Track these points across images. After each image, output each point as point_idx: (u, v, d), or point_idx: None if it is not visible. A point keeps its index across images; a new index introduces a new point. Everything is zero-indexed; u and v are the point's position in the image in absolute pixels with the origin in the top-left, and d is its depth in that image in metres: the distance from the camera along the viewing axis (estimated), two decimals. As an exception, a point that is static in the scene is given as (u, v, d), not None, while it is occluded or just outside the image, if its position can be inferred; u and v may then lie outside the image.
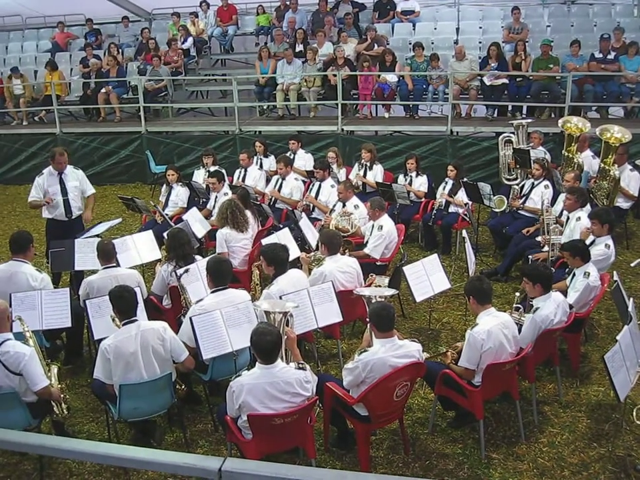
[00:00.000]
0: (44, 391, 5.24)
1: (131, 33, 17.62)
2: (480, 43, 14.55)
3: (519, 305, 6.24)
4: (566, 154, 9.97)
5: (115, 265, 6.87)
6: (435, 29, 15.38)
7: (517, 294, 6.43)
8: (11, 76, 15.58)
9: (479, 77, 12.79)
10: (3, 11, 18.43)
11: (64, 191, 8.66)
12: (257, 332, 4.74)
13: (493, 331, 5.35)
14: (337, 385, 5.35)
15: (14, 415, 5.20)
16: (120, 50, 16.38)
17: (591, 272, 6.44)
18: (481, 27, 15.19)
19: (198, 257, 7.04)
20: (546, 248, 7.77)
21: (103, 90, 14.69)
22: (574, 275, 6.60)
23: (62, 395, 5.49)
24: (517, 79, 12.55)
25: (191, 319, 5.57)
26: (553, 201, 8.77)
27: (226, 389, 4.96)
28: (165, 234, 7.52)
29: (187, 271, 6.44)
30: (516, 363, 5.54)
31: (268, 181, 10.62)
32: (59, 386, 5.54)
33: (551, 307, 5.85)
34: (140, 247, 7.92)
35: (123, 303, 5.43)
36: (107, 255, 6.81)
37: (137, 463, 2.54)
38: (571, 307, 6.15)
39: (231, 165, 11.77)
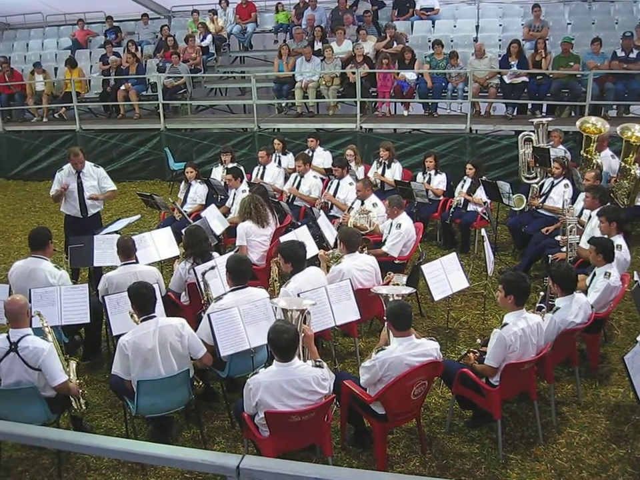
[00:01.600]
0: (62, 386, 5.28)
1: (151, 30, 17.67)
2: (500, 40, 14.47)
3: (542, 305, 6.20)
4: (584, 155, 9.89)
5: (134, 261, 6.90)
6: (455, 26, 15.30)
7: (542, 293, 6.37)
8: (33, 71, 15.70)
9: (499, 75, 12.70)
10: (24, 8, 18.54)
11: (80, 190, 8.70)
12: (274, 329, 4.74)
13: (521, 333, 5.30)
14: (354, 383, 5.34)
15: (33, 409, 5.25)
16: (139, 47, 16.46)
17: (612, 272, 6.38)
18: (500, 25, 15.08)
19: (215, 254, 7.05)
20: (564, 249, 7.70)
21: (123, 87, 14.76)
22: (594, 274, 6.55)
23: (80, 390, 5.53)
24: (537, 77, 12.47)
25: (209, 316, 5.59)
26: (573, 200, 8.68)
27: (243, 386, 4.97)
28: (183, 231, 7.54)
29: (212, 268, 6.44)
30: (534, 363, 5.50)
31: (286, 178, 10.62)
32: (78, 381, 5.59)
33: (573, 309, 5.80)
34: (158, 244, 7.94)
35: (142, 299, 5.45)
36: (127, 251, 6.85)
37: (156, 459, 2.54)
38: (590, 307, 6.10)
39: (249, 162, 11.79)
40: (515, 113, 12.81)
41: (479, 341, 5.86)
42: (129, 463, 5.48)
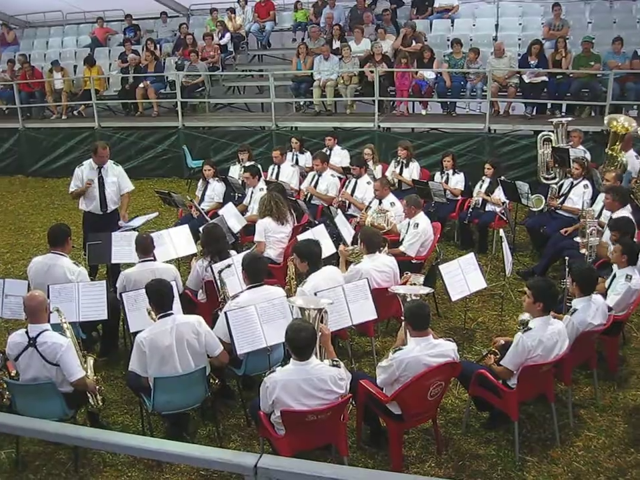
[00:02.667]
0: (80, 381, 5.30)
1: (169, 28, 17.73)
2: (519, 39, 14.38)
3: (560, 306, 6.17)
4: (609, 152, 9.78)
5: (152, 258, 6.91)
6: (474, 25, 15.23)
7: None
8: (52, 69, 15.81)
9: (518, 74, 12.62)
10: (45, 6, 18.69)
11: (101, 185, 8.69)
12: (291, 328, 4.74)
13: (544, 340, 5.26)
14: (371, 382, 5.33)
15: (50, 404, 5.28)
16: (158, 45, 16.51)
17: (633, 275, 6.32)
18: (520, 24, 14.99)
19: (233, 252, 7.04)
20: (583, 251, 7.64)
21: (141, 85, 14.82)
22: (614, 276, 6.49)
23: (97, 387, 5.55)
24: (557, 77, 12.39)
25: (226, 313, 5.60)
26: (592, 201, 8.62)
27: (259, 384, 4.97)
28: (200, 229, 7.55)
29: (229, 266, 6.44)
30: (552, 365, 5.45)
31: (304, 177, 10.62)
32: (95, 377, 5.61)
33: (591, 310, 5.75)
34: (176, 241, 7.95)
35: (159, 297, 5.46)
36: (145, 248, 6.86)
37: (174, 457, 2.55)
38: (610, 309, 6.05)
39: (267, 160, 11.77)
40: (534, 113, 12.73)
41: (502, 341, 5.80)
42: (144, 459, 5.49)
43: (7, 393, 5.51)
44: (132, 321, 6.13)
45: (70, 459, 5.56)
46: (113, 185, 8.77)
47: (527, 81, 12.37)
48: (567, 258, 7.20)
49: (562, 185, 9.39)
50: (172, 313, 5.47)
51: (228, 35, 16.12)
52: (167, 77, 15.21)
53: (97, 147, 8.72)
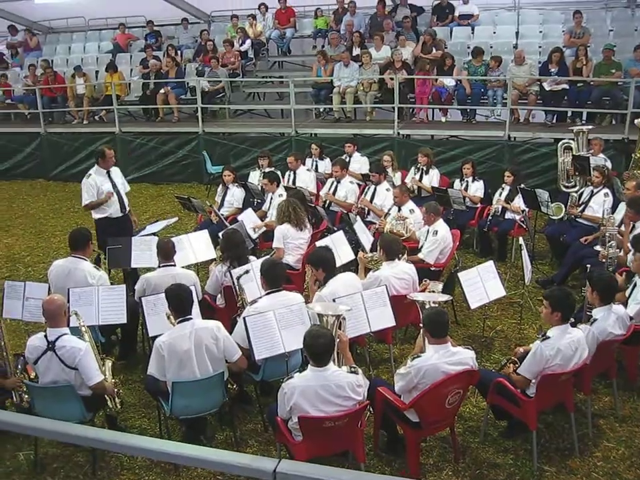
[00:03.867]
0: (98, 385, 5.34)
1: (190, 34, 17.85)
2: (540, 47, 14.36)
3: (580, 315, 6.12)
4: (637, 156, 9.72)
5: (172, 263, 6.94)
6: (494, 32, 15.23)
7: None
8: (74, 75, 15.96)
9: (539, 82, 12.58)
10: (67, 12, 18.88)
11: (115, 188, 8.73)
12: (310, 334, 4.74)
13: (563, 349, 5.22)
14: (389, 389, 5.32)
15: (69, 408, 5.31)
16: (179, 51, 16.62)
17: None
18: (541, 31, 14.97)
19: (252, 258, 7.07)
20: (604, 259, 7.58)
21: (162, 90, 14.93)
22: (635, 285, 6.43)
23: (116, 390, 5.57)
24: (578, 84, 12.34)
25: (244, 319, 5.60)
26: (613, 210, 8.55)
27: (277, 390, 4.98)
28: (220, 234, 7.58)
29: (247, 272, 6.46)
30: (572, 374, 5.42)
31: (323, 183, 10.63)
32: (113, 381, 5.63)
33: (611, 319, 5.70)
34: (195, 247, 7.98)
35: (179, 301, 5.48)
36: (167, 253, 6.90)
37: (193, 460, 2.55)
38: (630, 318, 5.99)
39: (287, 166, 11.79)
40: (554, 121, 12.70)
41: (520, 349, 5.77)
42: (162, 463, 5.52)
43: (26, 395, 5.56)
44: (151, 325, 6.15)
45: (88, 461, 5.60)
46: (122, 185, 8.90)
47: (547, 88, 12.33)
48: (587, 266, 7.18)
49: (582, 193, 9.34)
50: (191, 318, 5.49)
51: (248, 42, 16.20)
52: (187, 83, 15.29)
53: (104, 151, 8.73)
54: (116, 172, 8.90)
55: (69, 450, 5.75)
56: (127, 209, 8.93)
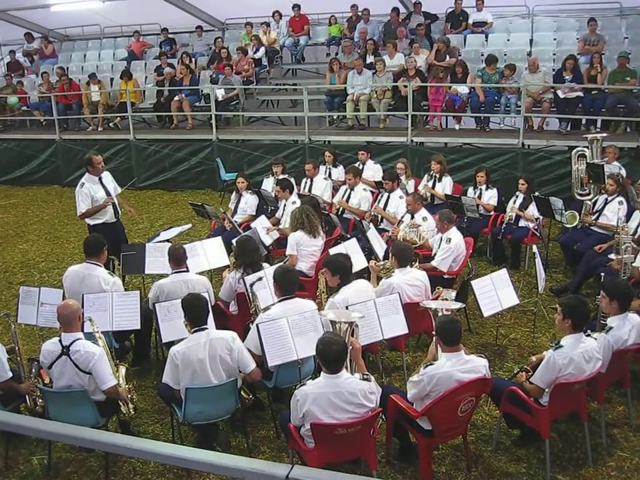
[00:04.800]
0: (112, 390, 5.36)
1: (205, 42, 17.92)
2: (554, 54, 14.31)
3: (594, 323, 6.10)
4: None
5: (185, 269, 6.96)
6: (508, 40, 15.19)
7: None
8: (89, 82, 16.08)
9: (553, 90, 12.55)
10: (83, 20, 19.00)
11: (108, 194, 8.72)
12: (323, 341, 4.74)
13: (575, 359, 5.20)
14: (401, 397, 5.31)
15: (83, 412, 5.34)
16: (193, 59, 16.71)
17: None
18: (555, 39, 14.91)
19: (265, 265, 7.08)
20: (617, 267, 7.55)
21: (176, 98, 15.03)
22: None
23: (129, 395, 5.60)
24: (592, 92, 12.30)
25: (257, 326, 5.61)
26: (627, 218, 8.52)
27: (289, 397, 4.98)
28: (233, 241, 7.60)
29: (260, 279, 6.47)
30: (585, 383, 5.39)
31: (336, 190, 10.64)
32: (127, 386, 5.66)
33: (626, 328, 5.67)
34: (209, 253, 8.00)
35: (195, 311, 5.49)
36: (178, 259, 6.91)
37: (206, 465, 2.56)
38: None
39: (300, 173, 11.83)
40: (568, 128, 12.65)
41: (533, 358, 5.75)
42: (174, 468, 5.53)
43: (41, 400, 5.60)
44: (164, 331, 6.16)
45: (101, 466, 5.62)
46: (114, 191, 8.89)
47: (561, 96, 12.30)
48: (601, 275, 7.16)
49: (596, 201, 9.30)
50: (206, 328, 5.50)
51: (262, 49, 16.26)
52: (201, 90, 15.37)
53: (91, 158, 8.69)
54: (107, 177, 8.89)
55: (82, 455, 5.78)
56: (120, 214, 8.97)
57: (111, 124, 16.19)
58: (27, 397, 5.68)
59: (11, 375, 5.61)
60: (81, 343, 5.33)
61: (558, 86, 12.37)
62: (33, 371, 5.81)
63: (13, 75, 17.96)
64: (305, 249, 8.04)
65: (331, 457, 4.96)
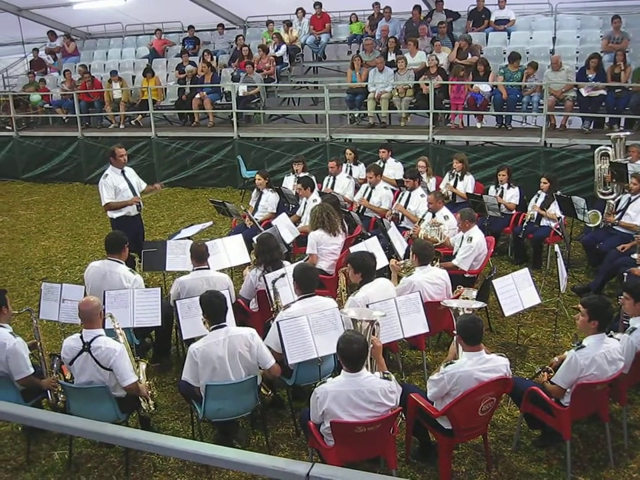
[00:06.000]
0: (132, 386, 5.39)
1: (226, 40, 17.96)
2: (577, 52, 14.18)
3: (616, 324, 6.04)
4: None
5: (206, 267, 6.97)
6: (531, 38, 15.06)
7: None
8: (110, 80, 16.18)
9: (576, 88, 12.45)
10: (105, 18, 19.13)
11: (131, 187, 8.83)
12: (344, 339, 4.73)
13: (598, 359, 5.15)
14: (421, 396, 5.30)
15: (104, 408, 5.37)
16: (214, 56, 16.74)
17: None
18: (578, 37, 14.77)
19: (286, 263, 7.08)
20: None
21: (198, 95, 15.07)
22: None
23: (149, 392, 5.63)
24: (616, 90, 12.17)
25: (277, 323, 5.62)
26: (651, 217, 8.45)
27: (309, 394, 4.98)
28: (254, 238, 7.61)
29: (283, 275, 6.47)
30: (607, 384, 5.34)
31: (357, 188, 10.62)
32: (147, 382, 5.69)
33: (649, 328, 5.62)
34: (229, 251, 8.00)
35: (213, 309, 5.50)
36: (200, 256, 6.94)
37: (227, 463, 2.56)
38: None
39: (321, 171, 11.83)
40: (591, 127, 12.54)
41: (555, 359, 5.70)
42: (194, 465, 5.55)
43: (62, 395, 5.64)
44: (185, 327, 6.19)
45: (121, 462, 5.65)
46: (137, 185, 8.99)
47: (584, 94, 12.19)
48: (624, 275, 7.09)
49: (619, 200, 9.21)
50: (225, 325, 5.51)
51: (284, 47, 16.26)
52: (222, 88, 15.41)
53: (114, 150, 8.82)
54: (130, 171, 9.00)
55: (103, 450, 5.82)
56: (142, 207, 9.09)
57: (132, 121, 16.28)
58: (48, 392, 5.73)
59: (32, 370, 5.66)
60: (102, 340, 5.37)
61: (581, 84, 12.27)
62: (55, 366, 5.85)
63: (35, 72, 18.13)
64: (325, 248, 8.03)
65: (351, 456, 4.95)
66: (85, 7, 18.45)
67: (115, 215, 8.82)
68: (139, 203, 8.92)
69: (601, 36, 14.19)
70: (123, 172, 8.85)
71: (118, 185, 8.70)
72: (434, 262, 7.21)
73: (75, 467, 5.66)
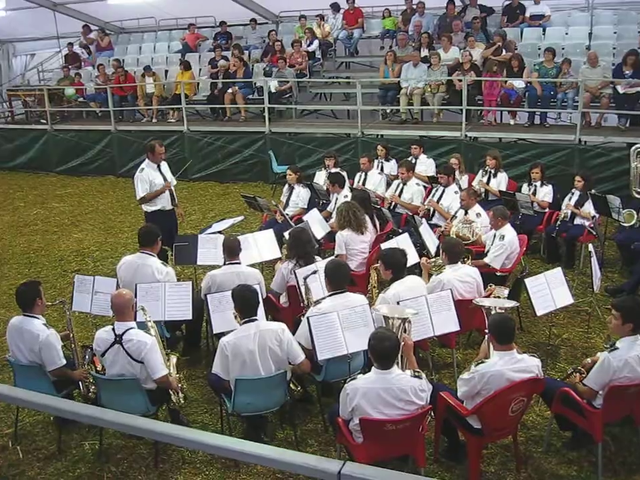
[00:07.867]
0: (163, 379, 5.44)
1: (259, 35, 17.98)
2: (614, 48, 13.94)
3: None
4: None
5: (238, 261, 6.98)
6: (566, 33, 14.86)
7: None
8: (144, 74, 16.30)
9: (612, 85, 12.27)
10: (138, 13, 19.27)
11: (166, 181, 8.92)
12: (375, 336, 4.72)
13: (631, 362, 5.07)
14: (451, 395, 5.26)
15: (134, 400, 5.42)
16: (246, 51, 16.78)
17: None
18: (615, 32, 14.53)
19: (318, 258, 7.08)
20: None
21: (230, 90, 15.12)
22: None
23: (179, 385, 5.66)
24: (653, 87, 11.98)
25: (308, 319, 5.62)
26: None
27: (338, 391, 4.97)
28: (285, 233, 7.61)
29: (314, 272, 6.46)
30: (642, 386, 5.26)
31: (388, 185, 10.58)
32: (177, 376, 5.73)
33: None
34: (260, 246, 8.00)
35: (245, 302, 5.53)
36: (232, 251, 6.95)
37: (257, 458, 2.56)
38: None
39: (352, 167, 11.80)
40: (627, 125, 12.35)
41: (588, 360, 5.63)
42: (222, 458, 5.57)
43: (93, 387, 5.70)
44: (215, 322, 6.22)
45: (150, 454, 5.70)
46: (172, 180, 9.10)
47: (620, 91, 12.00)
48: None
49: (655, 199, 9.08)
50: (256, 319, 5.53)
51: (316, 42, 16.24)
52: (255, 83, 15.43)
53: (154, 146, 8.90)
54: (165, 166, 9.08)
55: (132, 442, 5.86)
56: (176, 201, 9.13)
57: (169, 118, 16.35)
58: (80, 383, 5.80)
59: (65, 362, 5.74)
60: (133, 332, 5.41)
61: (618, 81, 12.08)
62: (87, 357, 5.91)
63: (70, 66, 18.29)
64: (354, 248, 7.96)
65: (379, 453, 4.94)
66: (119, 2, 18.63)
67: (149, 208, 8.91)
68: (173, 197, 8.99)
69: (639, 32, 13.95)
70: (158, 166, 8.92)
71: (154, 179, 8.80)
72: (465, 260, 7.16)
73: (105, 457, 5.72)
